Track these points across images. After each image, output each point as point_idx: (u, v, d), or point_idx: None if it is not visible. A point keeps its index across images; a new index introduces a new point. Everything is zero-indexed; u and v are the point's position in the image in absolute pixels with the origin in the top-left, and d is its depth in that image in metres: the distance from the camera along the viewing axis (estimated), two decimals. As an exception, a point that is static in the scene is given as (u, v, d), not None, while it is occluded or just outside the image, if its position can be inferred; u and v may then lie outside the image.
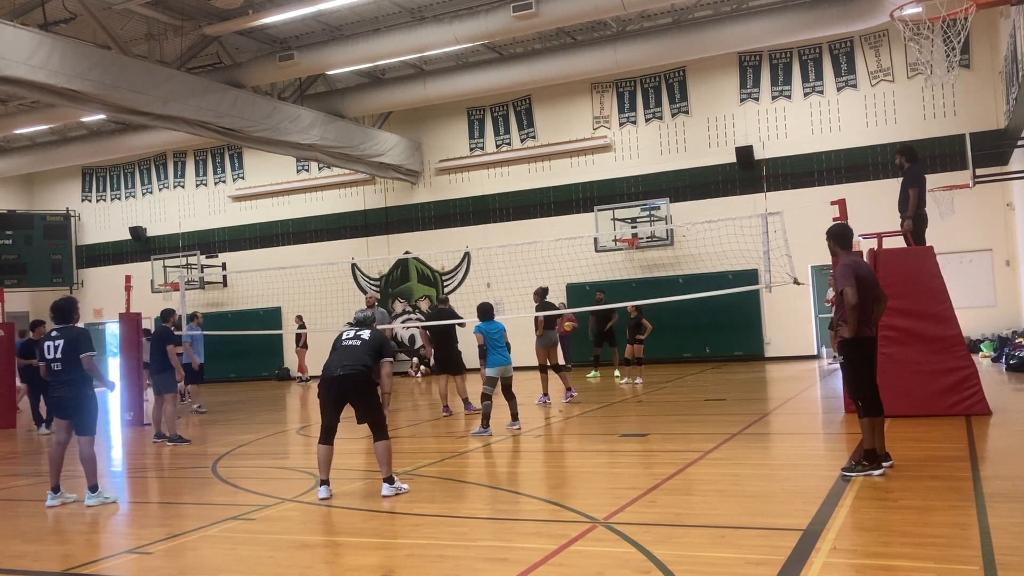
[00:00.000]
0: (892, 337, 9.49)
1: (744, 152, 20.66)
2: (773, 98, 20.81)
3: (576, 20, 17.17)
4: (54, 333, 7.80)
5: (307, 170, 25.93)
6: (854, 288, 6.82)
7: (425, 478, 7.94)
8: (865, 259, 9.14)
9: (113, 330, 25.42)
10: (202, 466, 9.58)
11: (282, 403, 18.59)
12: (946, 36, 9.77)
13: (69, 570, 5.52)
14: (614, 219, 21.55)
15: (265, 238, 26.48)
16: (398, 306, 24.70)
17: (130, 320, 15.12)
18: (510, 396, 10.84)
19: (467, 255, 23.58)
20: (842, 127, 20.22)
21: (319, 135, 19.92)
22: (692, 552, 5.05)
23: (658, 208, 21.33)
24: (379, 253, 24.68)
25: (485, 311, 11.00)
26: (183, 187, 28.02)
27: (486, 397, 10.56)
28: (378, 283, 24.98)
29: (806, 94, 20.53)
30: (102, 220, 29.35)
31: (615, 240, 21.32)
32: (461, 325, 13.64)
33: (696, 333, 20.94)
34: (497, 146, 23.64)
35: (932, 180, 13.82)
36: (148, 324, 16.20)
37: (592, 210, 21.97)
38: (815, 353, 20.34)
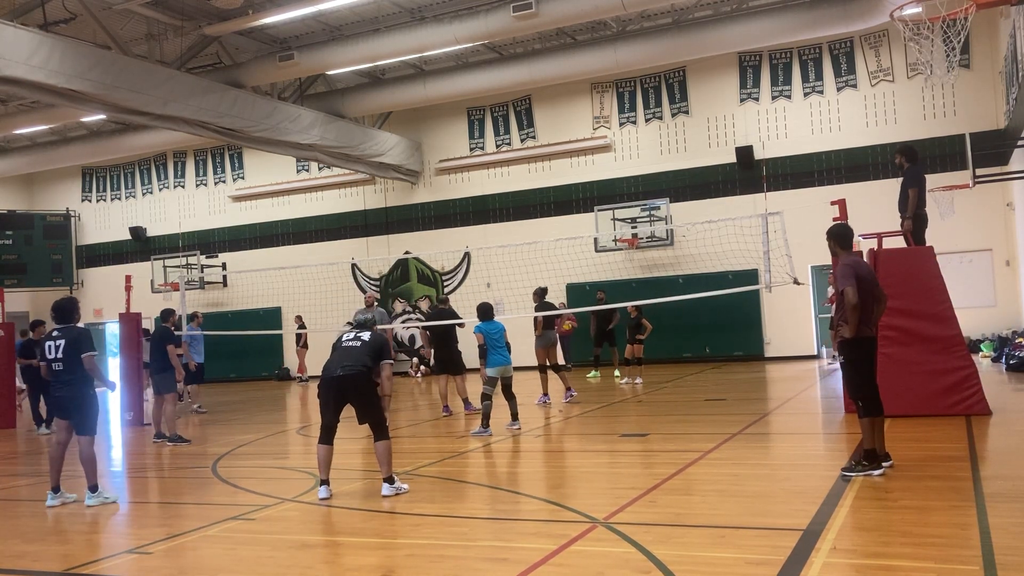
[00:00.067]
0: (892, 337, 9.49)
1: (744, 152, 20.66)
2: (773, 98, 20.81)
3: (576, 20, 17.18)
4: (55, 333, 7.80)
5: (307, 170, 25.94)
6: (854, 288, 6.82)
7: (425, 478, 7.94)
8: (865, 259, 9.13)
9: (113, 330, 25.41)
10: (202, 466, 9.58)
11: (282, 403, 18.59)
12: (946, 36, 9.77)
13: (69, 570, 5.52)
14: (614, 219, 21.56)
15: (265, 238, 26.48)
16: (398, 306, 24.70)
17: (130, 320, 15.12)
18: (510, 396, 10.84)
19: (467, 255, 23.58)
20: (842, 127, 20.22)
21: (319, 135, 19.93)
22: (692, 552, 5.05)
23: (658, 208, 21.33)
24: (379, 253, 24.68)
25: (485, 311, 11.00)
26: (183, 187, 28.02)
27: (486, 397, 10.56)
28: (378, 283, 24.99)
29: (806, 94, 20.53)
30: (102, 220, 29.35)
31: (615, 240, 21.32)
32: (460, 326, 13.64)
33: (696, 333, 20.94)
34: (497, 146, 23.64)
35: (932, 180, 13.82)
36: (148, 324, 16.19)
37: (592, 210, 21.97)
38: (815, 353, 20.34)
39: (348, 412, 7.30)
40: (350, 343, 7.42)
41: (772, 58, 20.74)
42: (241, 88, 18.45)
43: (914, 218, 9.99)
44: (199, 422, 14.57)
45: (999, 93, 18.38)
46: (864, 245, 11.25)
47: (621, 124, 22.31)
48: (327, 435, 7.29)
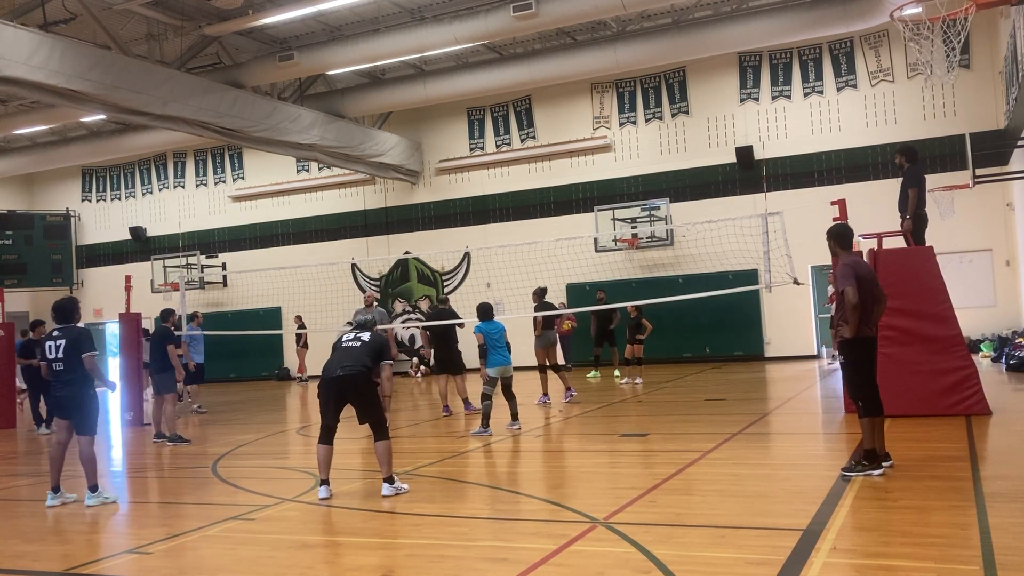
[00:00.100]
0: (892, 337, 9.49)
1: (744, 152, 20.66)
2: (773, 98, 20.81)
3: (576, 20, 17.18)
4: (56, 333, 7.80)
5: (307, 170, 25.94)
6: (855, 288, 6.82)
7: (425, 478, 7.94)
8: (865, 259, 9.14)
9: (113, 330, 25.42)
10: (202, 466, 9.58)
11: (282, 403, 18.59)
12: (946, 36, 9.77)
13: (69, 570, 5.52)
14: (614, 219, 21.56)
15: (265, 238, 26.48)
16: (398, 306, 24.70)
17: (130, 320, 15.12)
18: (510, 396, 10.85)
19: (467, 255, 23.58)
20: (842, 127, 20.22)
21: (319, 135, 19.93)
22: (692, 552, 5.05)
23: (658, 208, 21.33)
24: (379, 253, 24.68)
25: (485, 311, 11.00)
26: (183, 187, 28.02)
27: (486, 397, 10.57)
28: (378, 283, 24.99)
29: (806, 94, 20.53)
30: (102, 220, 29.35)
31: (615, 240, 21.32)
32: (460, 326, 13.64)
33: (696, 333, 20.94)
34: (497, 146, 23.64)
35: (932, 180, 13.82)
36: (148, 324, 16.19)
37: (592, 210, 21.97)
38: (815, 353, 20.34)
39: (348, 412, 7.31)
40: (350, 343, 7.43)
41: (772, 58, 20.74)
42: (241, 88, 18.45)
43: (914, 218, 9.99)
44: (199, 422, 14.57)
45: (999, 93, 18.38)
46: (864, 245, 11.25)
47: (621, 124, 22.31)
48: (327, 435, 7.29)
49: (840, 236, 7.37)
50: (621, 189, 22.12)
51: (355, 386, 7.18)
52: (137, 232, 28.25)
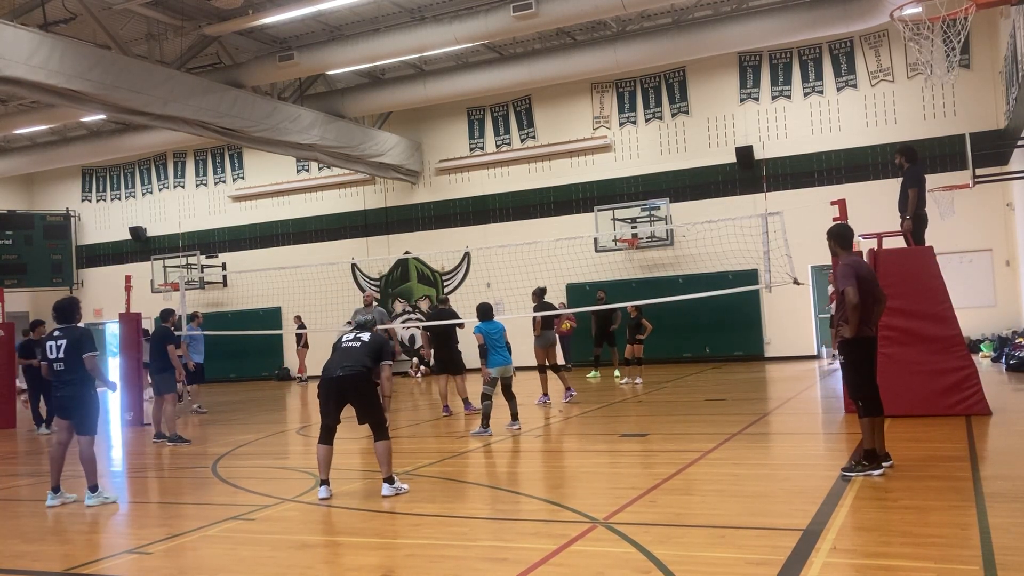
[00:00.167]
0: (892, 337, 9.49)
1: (744, 152, 20.66)
2: (773, 98, 20.81)
3: (576, 20, 17.18)
4: (56, 333, 7.80)
5: (307, 170, 25.94)
6: (855, 288, 6.82)
7: (425, 478, 7.94)
8: (865, 259, 9.14)
9: (113, 330, 25.42)
10: (202, 466, 9.58)
11: (282, 403, 18.59)
12: (946, 36, 9.77)
13: (69, 570, 5.52)
14: (614, 219, 21.56)
15: (265, 238, 26.48)
16: (398, 306, 24.70)
17: (130, 320, 15.12)
18: (510, 396, 10.85)
19: (467, 255, 23.58)
20: (842, 127, 20.22)
21: (319, 135, 19.93)
22: (692, 552, 5.05)
23: (658, 208, 21.33)
24: (379, 253, 24.68)
25: (485, 311, 11.00)
26: (183, 187, 28.02)
27: (486, 397, 10.56)
28: (378, 283, 24.99)
29: (806, 94, 20.53)
30: (102, 220, 29.35)
31: (615, 240, 21.32)
32: (460, 326, 13.64)
33: (696, 333, 20.94)
34: (497, 146, 23.64)
35: (932, 180, 13.82)
36: (148, 324, 16.19)
37: (592, 210, 21.97)
38: (815, 353, 20.34)
39: (348, 412, 7.31)
40: (350, 343, 7.43)
41: (772, 58, 20.74)
42: (241, 88, 18.45)
43: (914, 218, 10.00)
44: (199, 422, 14.57)
45: (999, 93, 18.38)
46: (864, 245, 11.25)
47: (621, 124, 22.31)
48: (327, 435, 7.29)
49: (840, 236, 7.37)
50: (621, 189, 22.12)
51: (355, 386, 7.18)
52: (137, 232, 28.25)
